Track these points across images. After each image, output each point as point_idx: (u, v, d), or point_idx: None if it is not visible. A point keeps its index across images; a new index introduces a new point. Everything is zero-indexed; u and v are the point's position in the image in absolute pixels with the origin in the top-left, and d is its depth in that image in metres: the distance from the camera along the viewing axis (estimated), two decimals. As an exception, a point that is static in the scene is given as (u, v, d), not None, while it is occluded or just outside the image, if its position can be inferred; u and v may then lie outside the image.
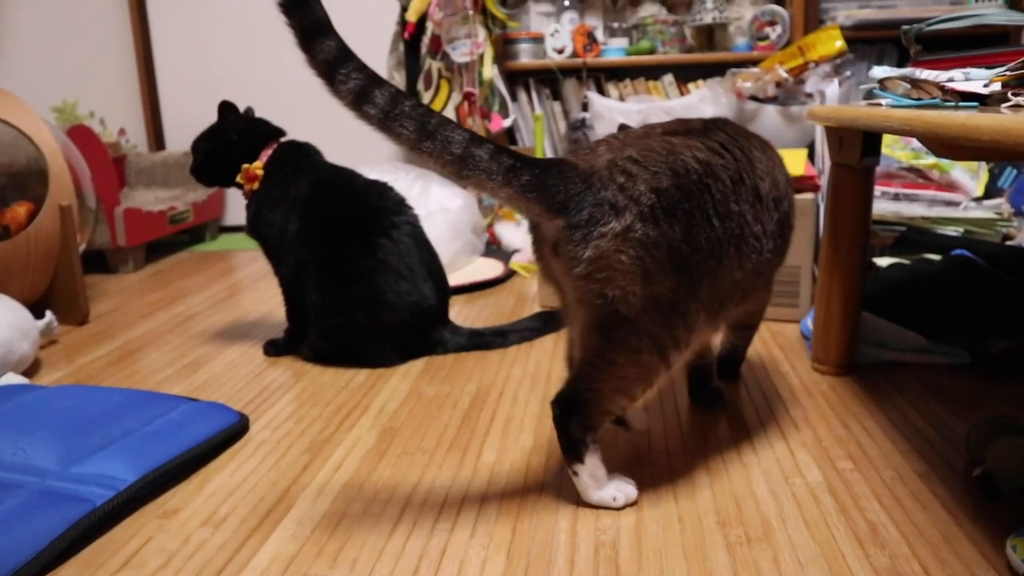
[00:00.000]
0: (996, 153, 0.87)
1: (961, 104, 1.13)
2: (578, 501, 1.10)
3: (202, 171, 1.84)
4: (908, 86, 1.24)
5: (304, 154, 1.83)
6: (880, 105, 1.32)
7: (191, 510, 1.13)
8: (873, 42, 2.97)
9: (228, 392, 1.58)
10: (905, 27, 1.44)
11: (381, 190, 1.79)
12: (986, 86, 1.16)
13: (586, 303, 1.03)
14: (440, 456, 1.27)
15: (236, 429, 1.37)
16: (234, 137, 1.80)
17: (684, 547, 0.99)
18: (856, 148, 1.42)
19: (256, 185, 1.77)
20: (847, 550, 0.97)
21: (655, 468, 1.20)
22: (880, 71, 1.39)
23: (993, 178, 2.25)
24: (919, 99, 1.21)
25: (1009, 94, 1.08)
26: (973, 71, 1.25)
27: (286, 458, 1.29)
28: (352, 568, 0.98)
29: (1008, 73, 1.11)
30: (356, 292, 1.66)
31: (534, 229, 1.13)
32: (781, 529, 1.02)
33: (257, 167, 1.77)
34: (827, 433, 1.29)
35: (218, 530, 1.08)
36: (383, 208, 1.74)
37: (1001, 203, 2.13)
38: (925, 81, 1.18)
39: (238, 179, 1.79)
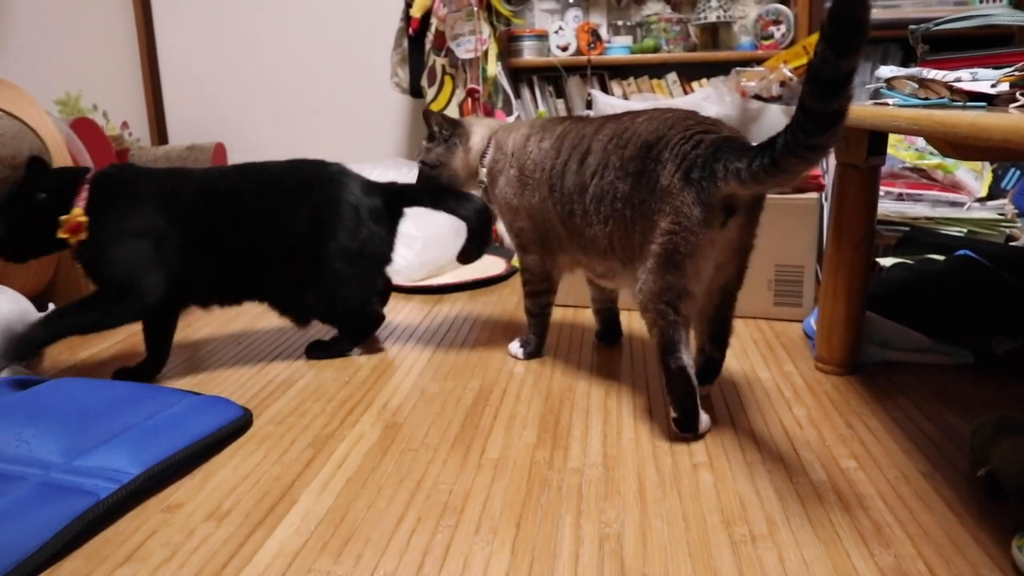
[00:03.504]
0: (1005, 153, 0.87)
1: (969, 104, 1.13)
2: (581, 496, 1.11)
3: (11, 246, 1.59)
4: (915, 85, 1.24)
5: (132, 176, 1.63)
6: (887, 104, 1.32)
7: (195, 504, 1.13)
8: (877, 42, 2.97)
9: (231, 387, 1.58)
10: (912, 27, 1.44)
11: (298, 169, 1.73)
12: (993, 86, 1.16)
13: (747, 249, 1.34)
14: (444, 452, 1.27)
15: (240, 423, 1.37)
16: (42, 196, 1.55)
17: (689, 544, 0.99)
18: (862, 148, 1.42)
19: (84, 235, 1.55)
20: (852, 549, 0.97)
21: (659, 465, 1.20)
22: (887, 71, 1.39)
23: (997, 179, 2.25)
24: (926, 99, 1.21)
25: (1017, 94, 1.08)
26: (980, 71, 1.25)
27: (289, 453, 1.29)
28: (356, 563, 0.98)
29: (1016, 73, 1.11)
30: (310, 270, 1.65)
31: (724, 202, 1.22)
32: (785, 528, 1.02)
33: (77, 214, 1.54)
34: (831, 432, 1.29)
35: (222, 524, 1.08)
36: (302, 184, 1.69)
37: (1005, 204, 2.13)
38: (933, 81, 1.18)
39: (60, 235, 1.54)
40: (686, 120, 1.31)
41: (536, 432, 1.33)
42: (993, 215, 2.08)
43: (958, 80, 1.22)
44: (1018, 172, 2.28)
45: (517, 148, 1.58)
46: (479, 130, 1.68)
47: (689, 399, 1.26)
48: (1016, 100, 1.06)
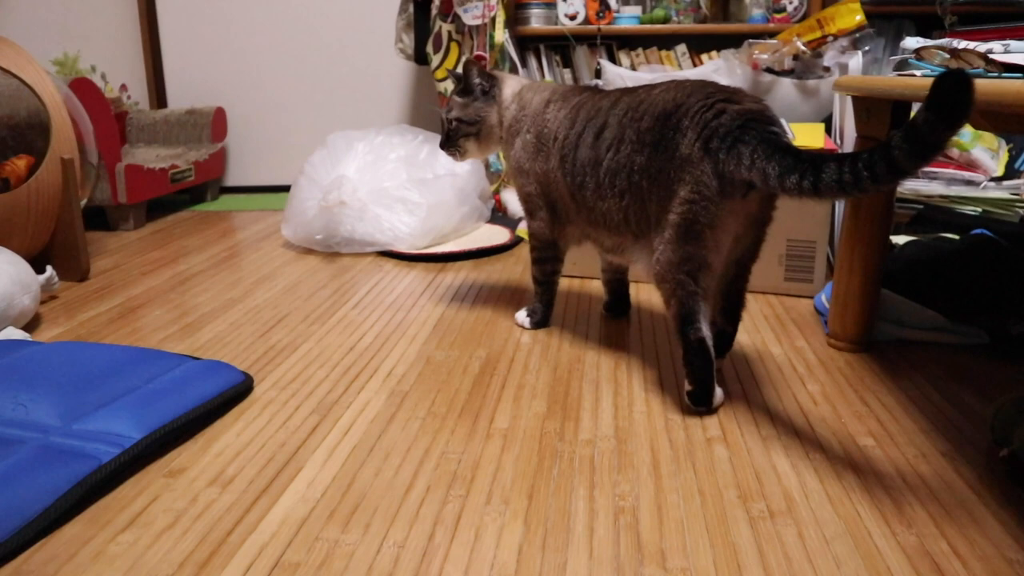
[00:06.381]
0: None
1: (1004, 76, 1.09)
2: (594, 469, 1.08)
3: None
4: (946, 56, 1.20)
5: None
6: (914, 76, 1.29)
7: (198, 469, 1.10)
8: (891, 17, 2.92)
9: (232, 351, 1.55)
10: (940, -3, 1.40)
11: None
12: (1028, 57, 1.13)
13: (766, 222, 1.31)
14: (452, 421, 1.24)
15: (241, 388, 1.34)
16: None
17: (706, 520, 0.97)
18: (884, 121, 1.38)
19: None
20: (873, 527, 0.95)
21: (672, 438, 1.17)
22: (913, 41, 1.35)
23: (1012, 159, 2.21)
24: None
25: (1055, 64, 1.04)
26: (1013, 43, 1.22)
27: (293, 419, 1.26)
28: (365, 532, 0.95)
29: (1054, 43, 1.07)
30: None
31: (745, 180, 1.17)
32: (804, 504, 1.00)
33: None
34: (846, 409, 1.27)
35: (226, 490, 1.05)
36: None
37: (1020, 184, 2.10)
38: (966, 50, 1.14)
39: None
40: (706, 88, 1.27)
41: (545, 403, 1.30)
42: (1008, 195, 2.05)
43: (990, 52, 1.18)
44: (1032, 152, 2.24)
45: (537, 112, 1.54)
46: (510, 84, 1.63)
47: (706, 372, 1.24)
48: (1054, 70, 1.03)
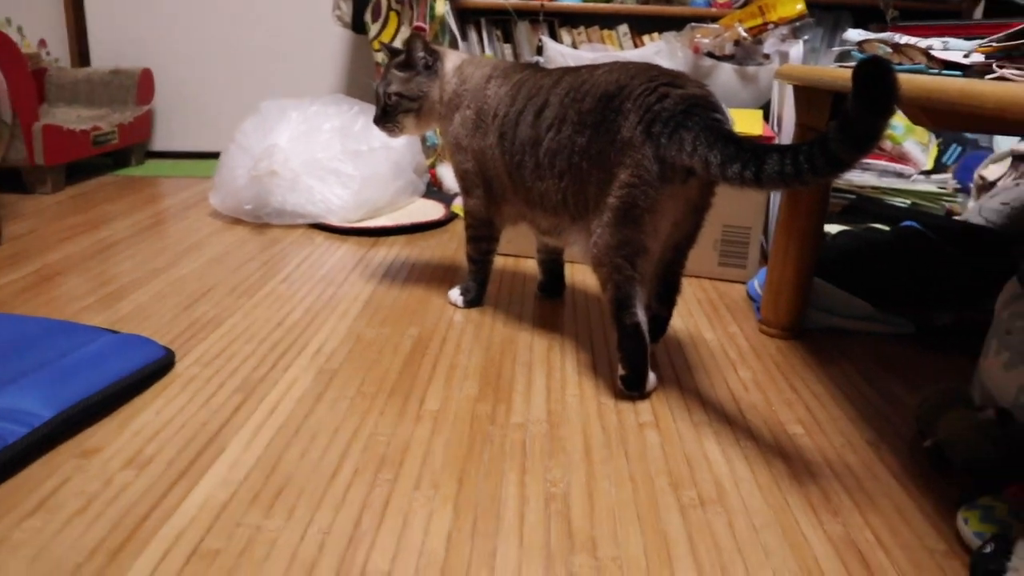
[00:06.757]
0: (992, 123, 0.85)
1: (944, 72, 1.10)
2: (525, 454, 1.07)
3: None
4: (888, 49, 1.20)
5: None
6: (854, 66, 1.29)
7: (113, 450, 1.05)
8: (830, 8, 2.95)
9: (154, 325, 1.49)
10: (882, -11, 1.41)
11: None
12: (966, 56, 1.14)
13: (705, 208, 1.30)
14: (381, 401, 1.21)
15: (161, 364, 1.29)
16: None
17: (637, 508, 0.96)
18: (824, 111, 1.39)
19: None
20: (800, 516, 0.95)
21: (605, 423, 1.17)
22: (855, 34, 1.36)
23: (940, 154, 2.27)
24: (899, 63, 1.18)
25: (994, 65, 1.05)
26: (952, 40, 1.23)
27: (216, 397, 1.21)
28: (289, 517, 0.92)
29: (994, 44, 1.08)
30: None
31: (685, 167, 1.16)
32: (735, 492, 1.00)
33: None
34: (777, 396, 1.28)
35: (142, 472, 1.00)
36: None
37: (947, 178, 2.15)
38: (908, 46, 1.15)
39: None
40: (649, 71, 1.25)
41: (477, 384, 1.28)
42: (936, 188, 2.10)
43: (931, 48, 1.19)
44: (959, 147, 2.30)
45: (478, 87, 1.50)
46: (452, 59, 1.58)
47: (640, 357, 1.23)
48: (992, 71, 1.04)
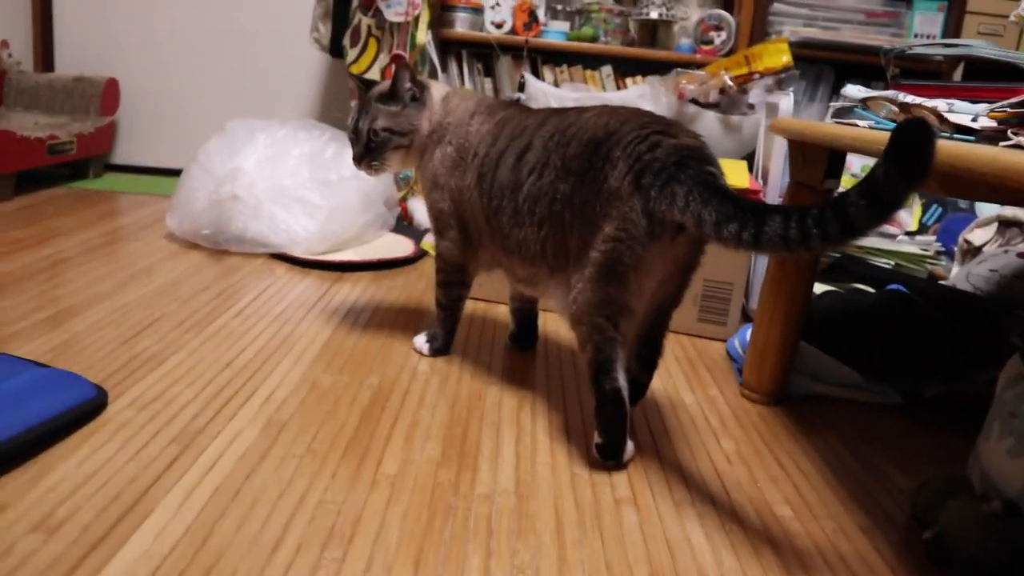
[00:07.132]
0: (1016, 195, 0.77)
1: (956, 136, 1.03)
2: (491, 531, 0.96)
3: None
4: (894, 108, 1.14)
5: None
6: (856, 125, 1.22)
7: (20, 510, 0.92)
8: (813, 61, 2.92)
9: (89, 358, 1.36)
10: (885, 48, 1.35)
11: None
12: (974, 120, 1.08)
13: (693, 267, 1.21)
14: (333, 461, 1.10)
15: (91, 406, 1.16)
16: None
17: (613, 604, 0.86)
18: (820, 168, 1.32)
19: None
20: (793, 620, 0.86)
21: (578, 498, 1.06)
22: (856, 90, 1.29)
23: (922, 214, 2.22)
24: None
25: (1009, 132, 0.99)
26: (957, 103, 1.16)
27: (149, 448, 1.09)
28: (217, 603, 0.80)
29: (1008, 110, 1.02)
30: None
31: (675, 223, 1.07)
32: (720, 588, 0.90)
33: None
34: (762, 472, 1.19)
35: (52, 538, 0.88)
36: None
37: (931, 240, 2.10)
38: (917, 106, 1.08)
39: None
40: (641, 117, 1.17)
41: (440, 446, 1.18)
42: (919, 250, 2.05)
43: (937, 109, 1.12)
44: (939, 208, 2.26)
45: (461, 122, 1.41)
46: (438, 89, 1.48)
47: (619, 425, 1.13)
48: (1008, 139, 0.97)
